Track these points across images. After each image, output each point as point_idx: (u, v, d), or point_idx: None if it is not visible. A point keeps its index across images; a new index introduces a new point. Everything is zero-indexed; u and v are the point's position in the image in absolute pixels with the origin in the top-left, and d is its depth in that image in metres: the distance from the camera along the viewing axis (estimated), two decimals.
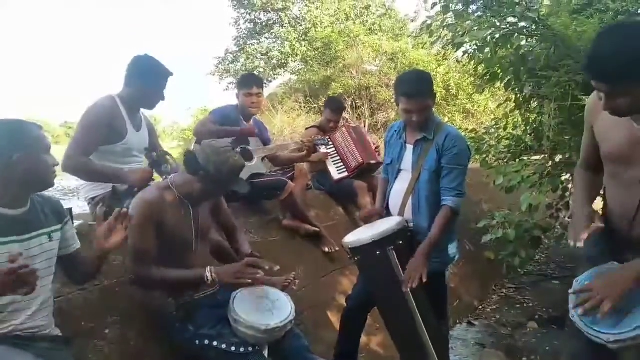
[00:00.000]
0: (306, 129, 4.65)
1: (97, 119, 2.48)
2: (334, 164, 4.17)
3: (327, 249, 3.58)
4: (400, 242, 2.32)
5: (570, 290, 1.59)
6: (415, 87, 2.32)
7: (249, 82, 3.52)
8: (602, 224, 1.62)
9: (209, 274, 2.04)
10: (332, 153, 4.17)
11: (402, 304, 2.30)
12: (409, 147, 2.47)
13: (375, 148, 4.35)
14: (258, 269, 2.11)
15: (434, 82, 2.51)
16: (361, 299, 2.59)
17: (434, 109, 2.46)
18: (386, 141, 2.64)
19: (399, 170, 2.51)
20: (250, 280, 2.06)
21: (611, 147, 1.62)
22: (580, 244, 1.56)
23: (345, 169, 4.15)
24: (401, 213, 2.47)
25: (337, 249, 3.54)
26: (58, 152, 1.78)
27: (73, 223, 2.37)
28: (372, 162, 4.19)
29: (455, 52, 4.35)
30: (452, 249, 2.53)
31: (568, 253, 5.32)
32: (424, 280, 2.22)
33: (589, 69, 1.46)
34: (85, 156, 2.44)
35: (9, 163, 1.56)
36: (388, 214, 2.57)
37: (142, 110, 2.75)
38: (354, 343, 2.67)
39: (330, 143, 4.15)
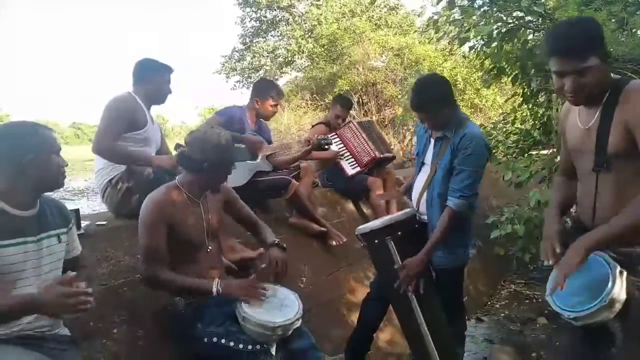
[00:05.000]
0: (312, 125, 4.62)
1: (122, 108, 2.68)
2: (346, 160, 4.14)
3: (334, 242, 3.55)
4: (399, 234, 2.42)
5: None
6: (419, 103, 2.37)
7: (280, 92, 3.59)
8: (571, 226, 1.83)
9: (215, 288, 2.07)
10: (341, 149, 4.15)
11: (401, 293, 2.43)
12: (432, 142, 2.50)
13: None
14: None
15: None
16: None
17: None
18: (416, 132, 2.72)
19: (422, 164, 2.57)
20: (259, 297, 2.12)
21: (570, 142, 1.80)
22: (552, 262, 1.68)
23: (357, 164, 4.11)
24: (417, 205, 2.55)
25: (344, 240, 3.53)
26: (68, 152, 1.78)
27: (80, 224, 2.40)
28: (383, 155, 4.18)
29: (461, 47, 4.33)
30: (469, 247, 2.54)
31: None
32: (419, 288, 2.38)
33: (558, 49, 1.58)
34: (115, 140, 2.62)
35: (20, 165, 1.59)
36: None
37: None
38: (369, 331, 2.73)
39: (338, 140, 4.13)
